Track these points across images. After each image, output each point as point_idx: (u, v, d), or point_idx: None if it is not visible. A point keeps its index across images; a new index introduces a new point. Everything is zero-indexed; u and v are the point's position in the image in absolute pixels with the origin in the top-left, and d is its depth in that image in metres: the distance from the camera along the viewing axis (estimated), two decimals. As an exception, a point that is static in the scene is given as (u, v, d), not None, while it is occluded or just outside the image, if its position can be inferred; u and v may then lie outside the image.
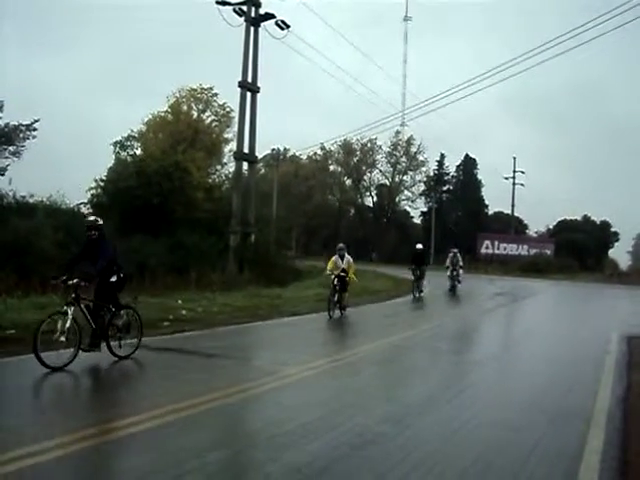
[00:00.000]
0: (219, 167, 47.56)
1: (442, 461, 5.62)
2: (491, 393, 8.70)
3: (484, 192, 77.32)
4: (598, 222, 75.79)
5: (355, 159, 78.04)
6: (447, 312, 21.07)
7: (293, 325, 14.86)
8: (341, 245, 17.82)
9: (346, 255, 17.45)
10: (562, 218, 77.19)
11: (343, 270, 17.14)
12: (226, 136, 46.98)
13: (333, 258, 17.47)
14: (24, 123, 29.11)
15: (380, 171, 78.36)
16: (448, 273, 27.44)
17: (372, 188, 79.56)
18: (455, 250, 28.02)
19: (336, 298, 16.75)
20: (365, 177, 79.18)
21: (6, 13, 62.54)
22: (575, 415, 7.41)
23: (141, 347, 10.48)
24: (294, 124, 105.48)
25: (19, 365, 8.76)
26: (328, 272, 17.25)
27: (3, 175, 27.78)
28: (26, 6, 75.57)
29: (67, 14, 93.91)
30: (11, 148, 28.82)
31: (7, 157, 28.82)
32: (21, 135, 29.01)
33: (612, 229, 76.18)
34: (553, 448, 6.07)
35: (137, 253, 21.54)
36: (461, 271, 27.63)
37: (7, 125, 28.72)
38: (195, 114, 46.34)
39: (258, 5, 27.11)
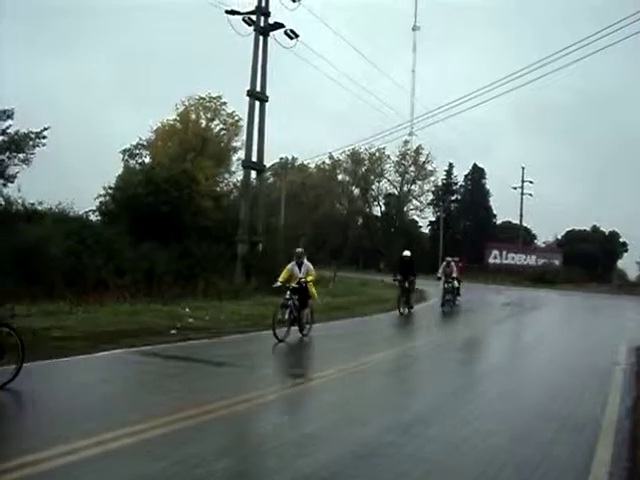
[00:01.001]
0: (227, 176, 47.56)
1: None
2: (499, 404, 8.65)
3: (492, 202, 77.31)
4: (607, 232, 75.53)
5: (363, 168, 77.99)
6: (456, 325, 21.02)
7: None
8: (299, 250, 14.54)
9: (305, 262, 14.19)
10: (570, 228, 77.06)
11: (300, 282, 13.87)
12: (234, 145, 47.00)
13: (288, 266, 14.21)
14: (34, 131, 29.20)
15: (388, 180, 78.33)
16: (441, 285, 24.40)
17: (380, 197, 79.52)
18: (449, 258, 25.43)
19: (287, 316, 13.45)
20: (373, 186, 79.12)
21: (15, 20, 63.08)
22: (584, 426, 7.36)
23: (149, 354, 10.51)
24: (302, 133, 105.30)
25: (24, 372, 8.75)
26: (279, 283, 13.90)
27: (12, 182, 27.84)
28: (35, 13, 76.05)
29: (76, 22, 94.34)
30: (21, 155, 28.88)
31: (17, 164, 28.89)
32: (31, 143, 29.07)
33: (621, 239, 75.94)
34: (562, 459, 6.04)
35: (146, 260, 21.61)
36: (456, 283, 24.64)
37: (17, 132, 28.81)
38: (204, 123, 46.37)
39: (267, 15, 27.19)
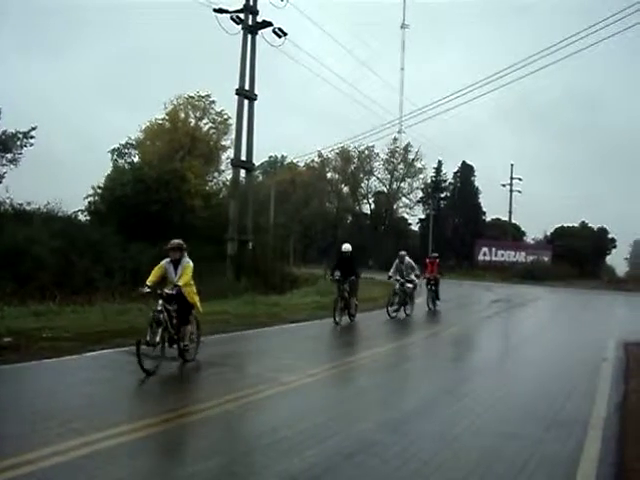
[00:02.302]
0: (216, 174, 47.63)
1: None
2: (488, 401, 8.66)
3: (481, 199, 77.48)
4: (595, 229, 75.83)
5: (352, 166, 78.07)
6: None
7: (291, 332, 14.79)
8: (176, 241, 9.88)
9: (185, 258, 9.80)
10: (559, 225, 77.34)
11: (176, 287, 9.58)
12: (224, 143, 47.12)
13: (162, 263, 9.82)
14: (21, 130, 29.11)
15: (378, 178, 78.47)
16: (396, 286, 19.05)
17: (370, 195, 79.64)
18: (403, 252, 19.82)
19: (158, 337, 9.20)
20: (362, 184, 79.22)
21: (5, 21, 62.75)
22: (573, 422, 7.39)
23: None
24: (291, 131, 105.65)
25: (14, 373, 8.74)
26: (146, 289, 9.50)
27: (0, 183, 27.79)
28: (25, 14, 75.77)
29: (65, 22, 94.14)
30: (8, 155, 28.81)
31: (4, 165, 28.85)
32: (18, 142, 29.00)
33: (609, 236, 76.29)
34: (550, 455, 6.07)
35: (134, 260, 21.56)
36: (414, 280, 19.63)
37: (4, 132, 28.74)
38: (193, 122, 46.39)
39: (255, 13, 27.17)
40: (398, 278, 19.27)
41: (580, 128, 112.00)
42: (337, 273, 17.30)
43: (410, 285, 19.39)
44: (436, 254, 24.23)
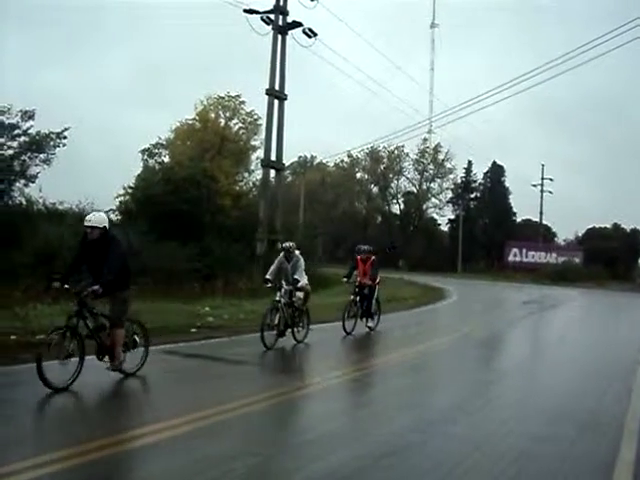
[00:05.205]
0: (246, 174, 47.72)
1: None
2: (520, 401, 8.57)
3: (512, 200, 76.81)
4: (628, 230, 74.75)
5: (382, 166, 77.89)
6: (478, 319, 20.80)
7: (319, 333, 14.71)
8: None
9: None
10: (591, 226, 76.36)
11: None
12: (253, 143, 47.12)
13: None
14: (54, 131, 29.41)
15: (407, 178, 78.19)
16: (278, 297, 12.30)
17: (399, 196, 79.38)
18: (289, 244, 13.30)
19: None
20: (392, 185, 79.00)
21: (37, 25, 63.69)
22: (607, 426, 7.27)
23: (170, 353, 10.57)
24: (321, 131, 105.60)
25: (47, 370, 8.82)
26: None
27: (34, 183, 28.09)
28: (53, 14, 76.52)
29: (96, 23, 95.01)
30: (42, 156, 29.11)
31: (38, 165, 29.14)
32: (51, 143, 29.29)
33: (643, 237, 75.07)
34: (584, 459, 5.98)
35: (165, 259, 21.67)
36: (307, 287, 13.28)
37: (38, 133, 29.05)
38: (223, 122, 46.52)
39: (285, 13, 27.20)
40: (282, 285, 12.58)
41: (612, 128, 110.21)
42: (60, 279, 8.72)
43: (300, 294, 13.06)
44: (368, 247, 15.80)
